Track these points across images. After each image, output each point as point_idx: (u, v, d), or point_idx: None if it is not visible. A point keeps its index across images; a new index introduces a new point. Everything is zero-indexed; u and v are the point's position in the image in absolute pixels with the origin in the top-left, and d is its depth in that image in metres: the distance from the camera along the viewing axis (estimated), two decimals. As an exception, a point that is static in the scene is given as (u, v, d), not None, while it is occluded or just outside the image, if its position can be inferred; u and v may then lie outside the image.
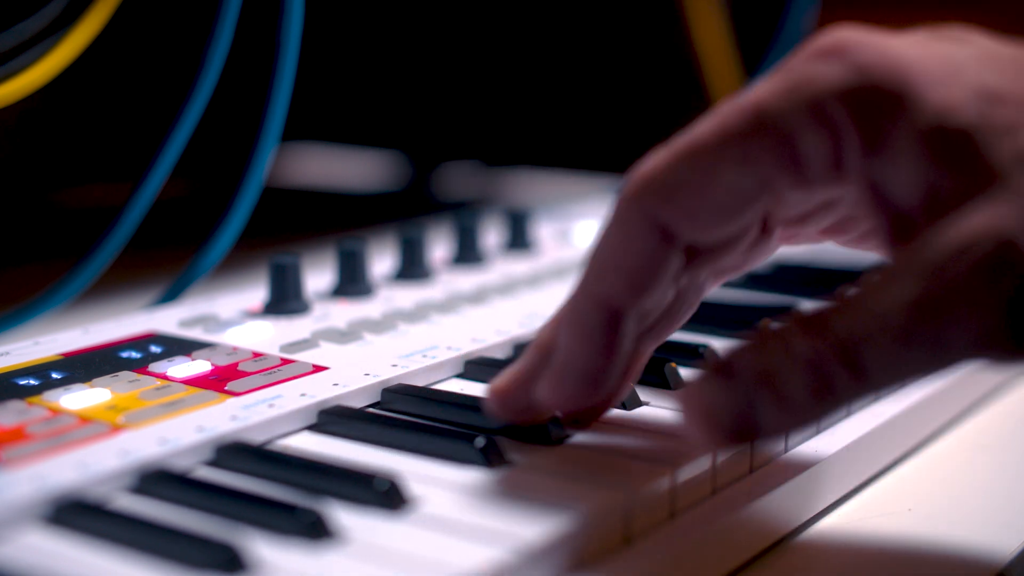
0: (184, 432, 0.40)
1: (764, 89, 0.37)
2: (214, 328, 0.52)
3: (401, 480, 0.37)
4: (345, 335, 0.51)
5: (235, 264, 0.66)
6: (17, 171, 0.89)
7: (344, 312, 0.55)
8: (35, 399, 0.43)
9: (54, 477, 0.37)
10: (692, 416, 0.35)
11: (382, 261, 0.63)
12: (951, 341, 0.34)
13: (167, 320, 0.53)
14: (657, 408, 0.45)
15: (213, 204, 0.61)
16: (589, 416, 0.43)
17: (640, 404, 0.45)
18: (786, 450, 0.45)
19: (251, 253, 0.67)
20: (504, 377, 0.41)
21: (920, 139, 0.35)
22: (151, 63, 0.87)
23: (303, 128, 1.03)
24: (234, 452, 0.40)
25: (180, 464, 0.39)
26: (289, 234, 0.84)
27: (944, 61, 0.36)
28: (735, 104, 0.37)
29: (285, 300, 0.55)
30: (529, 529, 0.35)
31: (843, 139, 0.36)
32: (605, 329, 0.39)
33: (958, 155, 0.35)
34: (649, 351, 0.43)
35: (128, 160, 0.77)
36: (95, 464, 0.38)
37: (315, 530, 0.35)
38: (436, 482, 0.39)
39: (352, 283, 0.58)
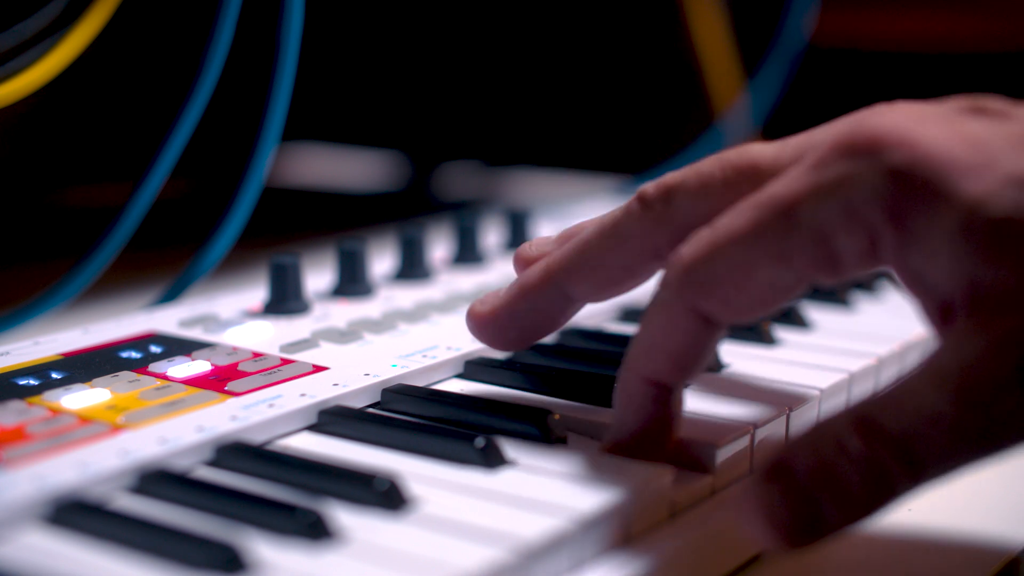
0: (184, 432, 0.40)
1: (797, 185, 0.37)
2: (214, 328, 0.52)
3: (401, 480, 0.37)
4: (345, 335, 0.51)
5: (235, 264, 0.66)
6: (17, 171, 0.89)
7: (344, 312, 0.55)
8: (35, 399, 0.43)
9: (54, 477, 0.37)
10: (754, 520, 0.35)
11: (382, 261, 0.63)
12: (1002, 432, 0.34)
13: (167, 320, 0.53)
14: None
15: (213, 204, 0.61)
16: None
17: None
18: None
19: (251, 253, 0.67)
20: (487, 305, 0.45)
21: (956, 234, 0.35)
22: (151, 63, 0.87)
23: (303, 128, 1.03)
24: (234, 452, 0.40)
25: (180, 464, 0.39)
26: (289, 234, 0.84)
27: (976, 148, 0.36)
28: (770, 198, 0.38)
29: (285, 300, 0.55)
30: (529, 529, 0.35)
31: (878, 238, 0.37)
32: (655, 403, 0.40)
33: (996, 247, 0.35)
34: None
35: (128, 160, 0.77)
36: (95, 464, 0.38)
37: (315, 530, 0.35)
38: (436, 482, 0.39)
39: (352, 283, 0.58)
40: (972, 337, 0.34)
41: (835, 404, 0.48)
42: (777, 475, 0.35)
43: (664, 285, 0.40)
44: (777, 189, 0.38)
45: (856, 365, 0.50)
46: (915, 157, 0.36)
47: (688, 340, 0.39)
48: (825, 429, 0.35)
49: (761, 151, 0.40)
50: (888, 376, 0.52)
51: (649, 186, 0.42)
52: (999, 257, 0.35)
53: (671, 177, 0.42)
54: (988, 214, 0.35)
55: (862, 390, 0.50)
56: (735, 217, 0.38)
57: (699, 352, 0.40)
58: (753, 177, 0.40)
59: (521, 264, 0.45)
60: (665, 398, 0.40)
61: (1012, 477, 0.48)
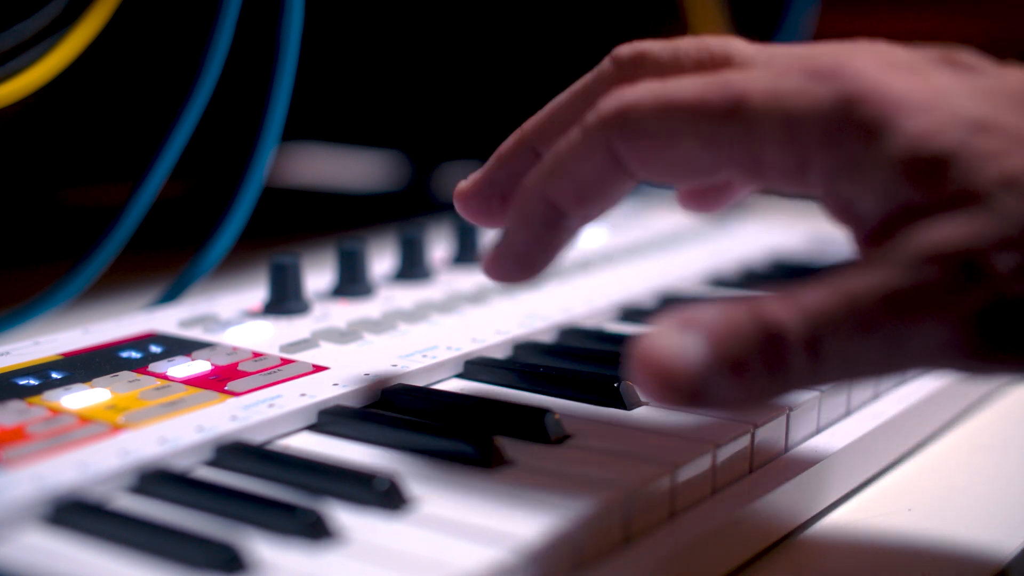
0: (184, 432, 0.40)
1: (754, 82, 0.38)
2: (214, 328, 0.52)
3: (401, 480, 0.38)
4: (345, 335, 0.51)
5: (235, 264, 0.66)
6: (18, 171, 0.89)
7: (344, 312, 0.55)
8: (35, 399, 0.43)
9: (54, 477, 0.37)
10: (647, 368, 0.34)
11: (382, 261, 0.63)
12: (912, 342, 0.34)
13: (167, 320, 0.53)
14: (657, 408, 0.45)
15: (213, 204, 0.61)
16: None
17: (640, 404, 0.45)
18: (786, 450, 0.45)
19: (251, 253, 0.67)
20: (468, 181, 0.45)
21: (894, 164, 0.35)
22: (151, 63, 0.87)
23: (303, 128, 1.03)
24: (234, 452, 0.40)
25: (180, 464, 0.39)
26: (289, 234, 0.84)
27: (935, 93, 0.36)
28: (725, 82, 0.38)
29: (285, 300, 0.55)
30: (528, 529, 0.35)
31: (808, 160, 0.37)
32: (546, 222, 0.42)
33: (933, 176, 0.34)
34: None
35: (128, 160, 0.77)
36: (95, 464, 0.38)
37: (315, 530, 0.35)
38: (436, 482, 0.39)
39: (352, 283, 0.58)
40: (907, 241, 0.34)
41: (835, 403, 0.48)
42: (684, 327, 0.34)
43: (594, 113, 0.40)
44: (734, 77, 0.38)
45: (856, 365, 0.50)
46: (872, 90, 0.36)
47: (595, 172, 0.40)
48: (747, 297, 0.35)
49: (741, 47, 0.41)
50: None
51: (624, 47, 0.43)
52: (935, 185, 0.34)
53: (648, 43, 0.42)
54: (930, 148, 0.35)
55: (861, 389, 0.50)
56: (687, 84, 0.39)
57: (602, 189, 0.40)
58: (724, 65, 0.40)
59: (457, 197, 0.45)
60: (557, 222, 0.41)
61: (1001, 484, 0.48)
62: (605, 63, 0.43)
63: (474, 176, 0.45)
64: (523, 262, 0.43)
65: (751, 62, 0.40)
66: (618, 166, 0.40)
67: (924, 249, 0.34)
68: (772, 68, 0.38)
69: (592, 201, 0.41)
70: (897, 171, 0.35)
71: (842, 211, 0.38)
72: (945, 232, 0.34)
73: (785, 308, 0.34)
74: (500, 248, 0.43)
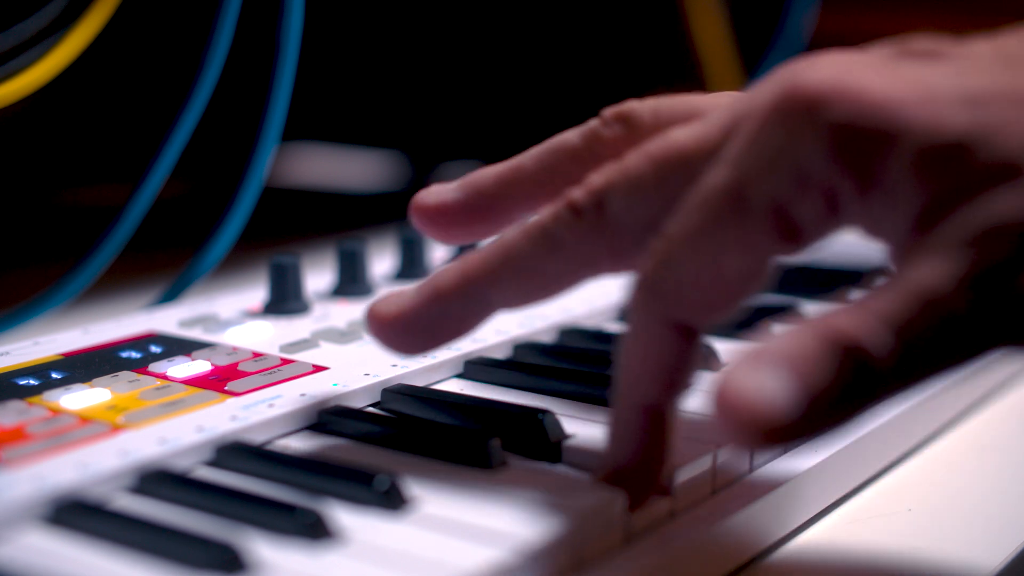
0: (184, 432, 0.40)
1: (744, 168, 0.35)
2: (214, 328, 0.52)
3: (401, 480, 0.38)
4: (345, 335, 0.51)
5: (235, 264, 0.66)
6: (17, 171, 0.89)
7: (344, 312, 0.55)
8: (35, 399, 0.43)
9: (54, 477, 0.37)
10: (733, 416, 0.32)
11: (382, 261, 0.63)
12: (997, 326, 0.32)
13: (167, 320, 0.53)
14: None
15: (213, 204, 0.61)
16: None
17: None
18: (787, 449, 0.45)
19: (251, 253, 0.67)
20: (393, 306, 0.41)
21: (914, 164, 0.33)
22: (151, 63, 0.87)
23: (303, 128, 1.03)
24: (234, 452, 0.40)
25: (180, 464, 0.39)
26: (289, 234, 0.84)
27: (915, 85, 0.34)
28: (713, 190, 0.35)
29: (285, 300, 0.55)
30: (529, 529, 0.35)
31: (836, 194, 0.35)
32: (651, 428, 0.38)
33: (956, 163, 0.33)
34: None
35: (128, 160, 0.77)
36: (95, 464, 0.38)
37: (315, 530, 0.35)
38: (436, 482, 0.39)
39: (352, 283, 0.58)
40: (967, 220, 0.32)
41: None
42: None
43: (634, 308, 0.37)
44: (718, 178, 0.35)
45: (856, 365, 0.50)
46: (858, 106, 0.34)
47: (673, 356, 0.37)
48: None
49: (685, 137, 0.38)
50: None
51: (577, 192, 0.39)
52: (963, 171, 0.33)
53: (598, 180, 0.39)
54: (942, 135, 0.33)
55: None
56: (684, 218, 0.36)
57: (686, 364, 0.38)
58: (682, 167, 0.37)
59: (418, 213, 0.42)
60: (660, 421, 0.38)
61: (1000, 485, 0.48)
62: (562, 211, 0.40)
63: (400, 303, 0.41)
64: (651, 474, 0.38)
65: (707, 144, 0.37)
66: (687, 331, 0.37)
67: (985, 225, 0.32)
68: (740, 138, 0.35)
69: (680, 382, 0.38)
70: (918, 167, 0.33)
71: (880, 232, 0.36)
72: (1001, 207, 0.32)
73: (860, 321, 0.32)
74: (615, 473, 0.39)
